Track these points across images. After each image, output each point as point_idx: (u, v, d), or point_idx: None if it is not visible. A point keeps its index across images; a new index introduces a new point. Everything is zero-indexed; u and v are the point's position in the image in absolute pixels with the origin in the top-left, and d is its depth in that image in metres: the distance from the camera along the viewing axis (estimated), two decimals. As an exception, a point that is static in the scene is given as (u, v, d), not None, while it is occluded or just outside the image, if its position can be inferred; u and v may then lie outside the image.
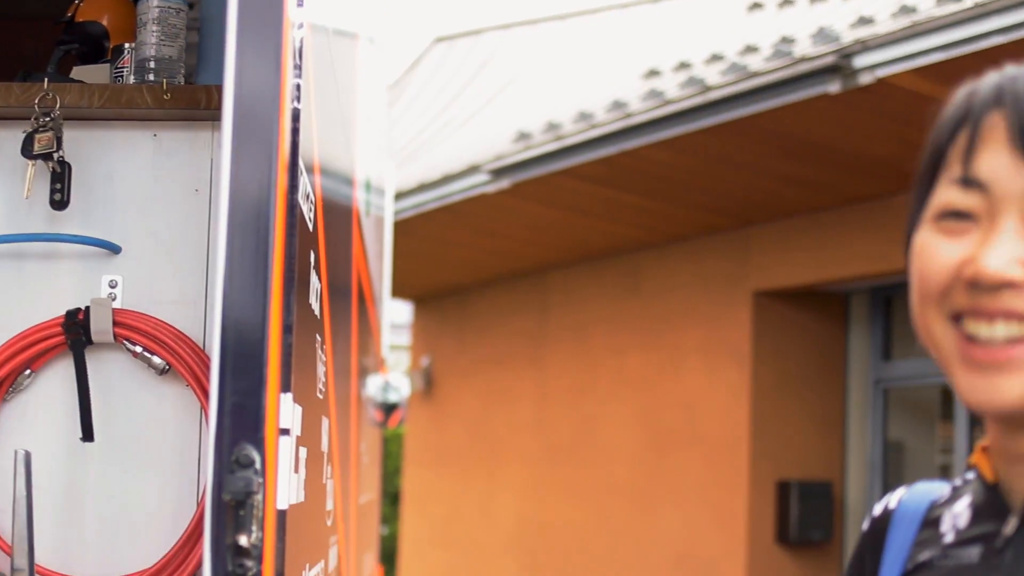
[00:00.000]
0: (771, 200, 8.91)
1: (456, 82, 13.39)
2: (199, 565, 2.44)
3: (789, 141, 7.64)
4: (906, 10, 6.63)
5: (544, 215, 9.92)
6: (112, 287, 2.64)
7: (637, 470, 10.46)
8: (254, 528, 1.52)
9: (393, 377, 13.74)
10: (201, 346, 2.59)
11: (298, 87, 1.70)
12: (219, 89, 2.57)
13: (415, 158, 11.38)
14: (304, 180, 1.80)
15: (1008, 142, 1.21)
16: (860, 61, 6.60)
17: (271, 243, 1.56)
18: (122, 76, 2.91)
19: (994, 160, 1.22)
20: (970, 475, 1.42)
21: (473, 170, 9.45)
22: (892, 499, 1.51)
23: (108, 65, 2.98)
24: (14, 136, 2.67)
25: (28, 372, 2.63)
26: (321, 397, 2.16)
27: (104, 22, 3.11)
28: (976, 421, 8.47)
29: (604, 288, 11.00)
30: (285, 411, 1.59)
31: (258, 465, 1.52)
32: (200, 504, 2.50)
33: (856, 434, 9.81)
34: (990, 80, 1.27)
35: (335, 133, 2.55)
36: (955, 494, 1.43)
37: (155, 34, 2.84)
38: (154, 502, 2.56)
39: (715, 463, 9.74)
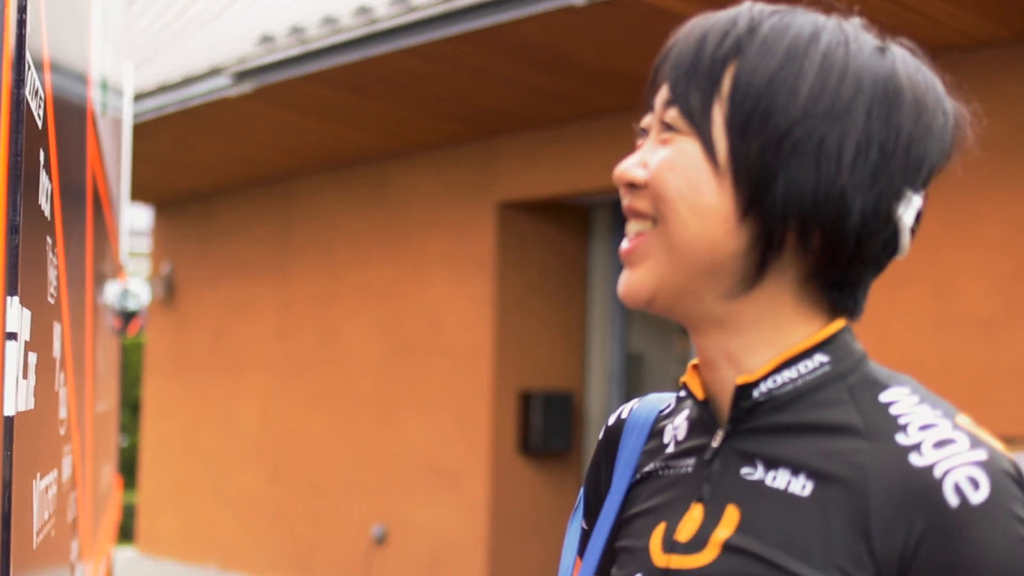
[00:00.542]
0: (517, 111, 8.95)
1: (199, -18, 13.03)
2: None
3: (535, 52, 7.67)
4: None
5: (289, 121, 9.78)
6: None
7: (381, 380, 10.48)
8: (-21, 436, 1.46)
9: (132, 284, 13.49)
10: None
11: (25, -25, 1.60)
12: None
13: (156, 58, 11.06)
14: (32, 76, 1.71)
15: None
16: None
17: (-5, 139, 1.48)
18: None
19: (663, 90, 1.40)
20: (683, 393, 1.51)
21: (215, 73, 9.23)
22: (625, 409, 1.60)
23: None
24: None
25: None
26: (53, 302, 2.08)
27: None
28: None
29: (349, 197, 10.92)
30: (12, 315, 1.52)
31: (-17, 371, 1.45)
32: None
33: (597, 346, 10.00)
34: (697, 20, 1.41)
35: (68, 29, 2.44)
36: (679, 406, 1.53)
37: None
38: None
39: (459, 373, 9.81)
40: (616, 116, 8.42)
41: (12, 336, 1.52)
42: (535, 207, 9.71)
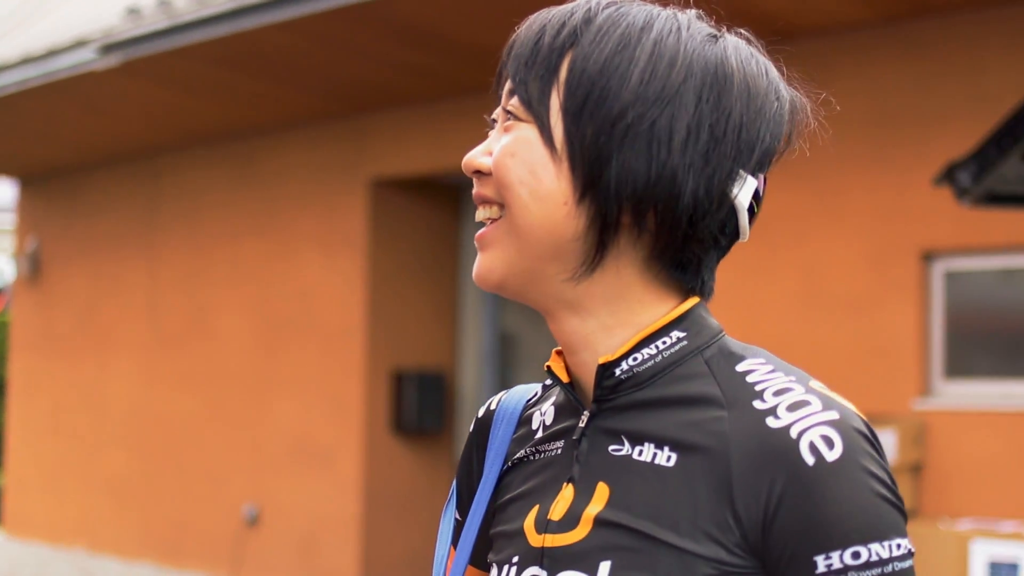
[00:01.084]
0: (388, 88, 8.89)
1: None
2: None
3: (406, 29, 7.61)
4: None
5: (157, 96, 9.61)
6: None
7: (252, 359, 10.36)
8: None
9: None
10: None
11: None
12: None
13: (19, 30, 10.80)
14: None
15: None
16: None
17: None
18: None
19: (508, 81, 1.46)
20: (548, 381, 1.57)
21: (80, 45, 9.03)
22: (494, 401, 1.65)
23: None
24: None
25: None
26: None
27: None
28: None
29: (218, 173, 10.77)
30: None
31: None
32: None
33: (470, 325, 9.98)
34: (539, 13, 1.47)
35: None
36: (545, 394, 1.58)
37: None
38: None
39: (331, 352, 9.74)
40: (487, 94, 8.33)
41: None
42: (406, 185, 9.65)
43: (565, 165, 1.37)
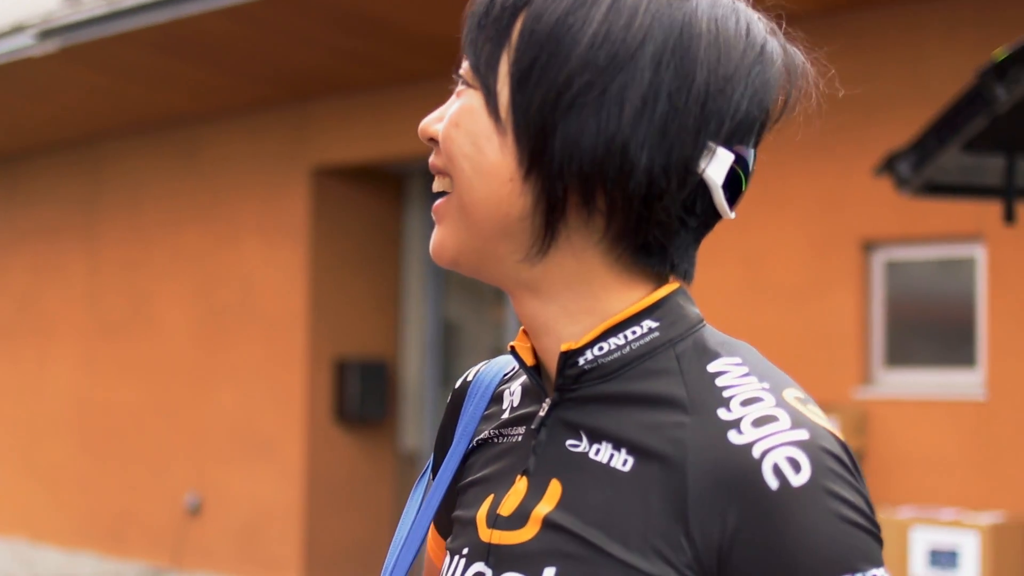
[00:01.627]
0: (330, 75, 8.85)
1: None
2: None
3: (348, 16, 7.58)
4: None
5: (97, 82, 9.53)
6: None
7: (194, 347, 10.30)
8: None
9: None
10: None
11: None
12: None
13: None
14: None
15: None
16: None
17: None
18: None
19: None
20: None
21: (18, 30, 8.97)
22: (472, 372, 1.52)
23: None
24: None
25: None
26: None
27: None
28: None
29: (159, 161, 10.69)
30: None
31: None
32: None
33: (413, 314, 9.96)
34: None
35: None
36: (519, 371, 1.45)
37: None
38: None
39: (273, 341, 9.70)
40: (430, 81, 8.33)
41: None
42: (349, 173, 9.62)
43: (510, 137, 1.25)
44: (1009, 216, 4.79)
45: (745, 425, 1.18)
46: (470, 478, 1.40)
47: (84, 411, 11.32)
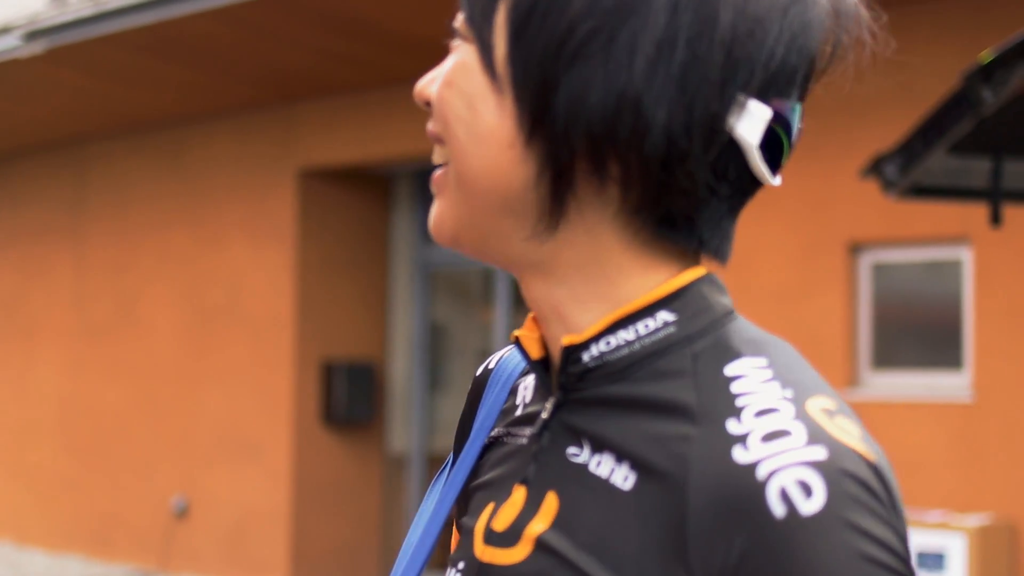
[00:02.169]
0: (316, 77, 8.83)
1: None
2: None
3: (334, 17, 7.57)
4: None
5: (83, 84, 9.51)
6: None
7: (180, 349, 10.28)
8: None
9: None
10: None
11: None
12: None
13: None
14: None
15: None
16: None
17: None
18: None
19: None
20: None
21: (4, 32, 8.95)
22: (494, 358, 1.37)
23: None
24: None
25: None
26: None
27: None
28: (519, 303, 8.72)
29: (146, 162, 10.68)
30: None
31: None
32: None
33: (400, 316, 9.95)
34: None
35: None
36: None
37: None
38: None
39: (259, 343, 9.68)
40: (416, 83, 8.34)
41: None
42: (336, 175, 9.60)
43: (508, 97, 1.09)
44: (995, 218, 4.79)
45: (753, 440, 1.01)
46: (480, 480, 1.26)
47: (70, 413, 11.29)
